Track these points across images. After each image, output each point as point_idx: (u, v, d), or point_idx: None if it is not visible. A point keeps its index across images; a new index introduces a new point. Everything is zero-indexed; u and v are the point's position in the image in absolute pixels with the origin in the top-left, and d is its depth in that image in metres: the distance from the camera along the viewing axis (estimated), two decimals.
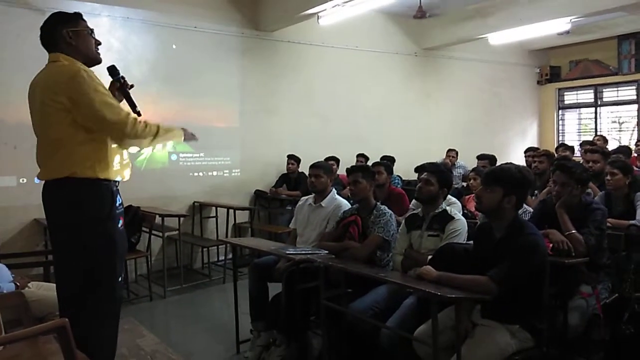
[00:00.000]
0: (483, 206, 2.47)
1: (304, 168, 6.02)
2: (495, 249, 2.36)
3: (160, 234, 5.06)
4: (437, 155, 7.26)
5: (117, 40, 5.47)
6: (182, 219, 5.30)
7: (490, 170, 2.74)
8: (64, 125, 2.17)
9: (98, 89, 2.18)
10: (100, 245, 2.22)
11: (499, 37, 7.54)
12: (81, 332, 1.94)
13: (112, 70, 2.43)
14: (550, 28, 7.03)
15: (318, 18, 6.19)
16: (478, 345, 2.26)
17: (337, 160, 6.27)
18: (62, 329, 1.66)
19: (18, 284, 3.11)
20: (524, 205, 2.96)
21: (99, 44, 2.38)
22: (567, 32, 7.51)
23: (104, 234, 2.22)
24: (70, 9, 2.47)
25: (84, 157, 2.19)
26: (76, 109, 2.15)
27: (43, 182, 2.27)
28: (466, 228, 2.89)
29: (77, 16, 2.34)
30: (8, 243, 4.78)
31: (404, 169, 6.45)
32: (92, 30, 2.35)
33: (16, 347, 2.16)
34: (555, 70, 9.83)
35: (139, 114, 2.40)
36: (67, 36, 2.25)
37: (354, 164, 5.77)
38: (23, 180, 4.99)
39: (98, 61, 2.37)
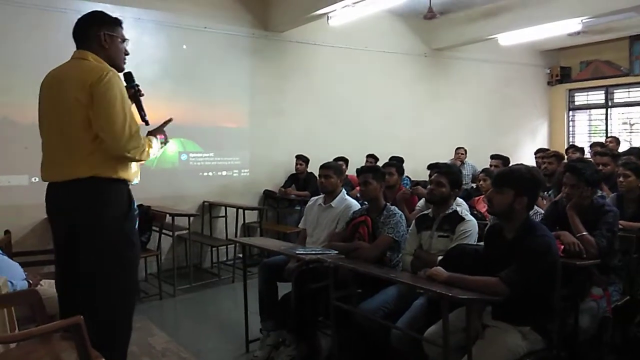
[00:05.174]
0: (494, 208, 2.46)
1: (313, 168, 6.04)
2: (507, 250, 2.35)
3: (170, 233, 5.09)
4: (446, 157, 7.23)
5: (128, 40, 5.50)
6: (191, 218, 5.33)
7: (500, 172, 2.74)
8: (89, 124, 2.16)
9: (123, 94, 2.21)
10: (121, 245, 2.24)
11: (509, 38, 7.50)
12: (97, 331, 1.96)
13: (129, 77, 2.44)
14: (561, 28, 6.98)
15: (328, 18, 6.20)
16: (489, 347, 2.26)
17: (346, 161, 6.28)
18: (77, 326, 1.68)
19: (31, 281, 3.15)
20: (535, 207, 2.94)
21: (127, 54, 2.41)
22: (578, 33, 7.45)
23: (123, 234, 2.24)
24: (84, 9, 2.49)
25: (107, 156, 2.19)
26: (93, 108, 2.14)
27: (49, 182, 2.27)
28: (477, 229, 2.88)
29: (117, 22, 2.38)
30: (20, 241, 4.82)
31: (413, 170, 6.44)
32: (125, 40, 2.39)
33: (30, 344, 2.18)
34: (566, 71, 9.76)
35: (147, 122, 2.44)
36: (103, 38, 2.28)
37: (362, 164, 5.80)
38: (35, 179, 5.03)
39: (121, 70, 2.38)
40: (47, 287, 3.10)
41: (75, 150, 2.18)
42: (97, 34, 2.27)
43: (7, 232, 4.33)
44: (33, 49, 4.89)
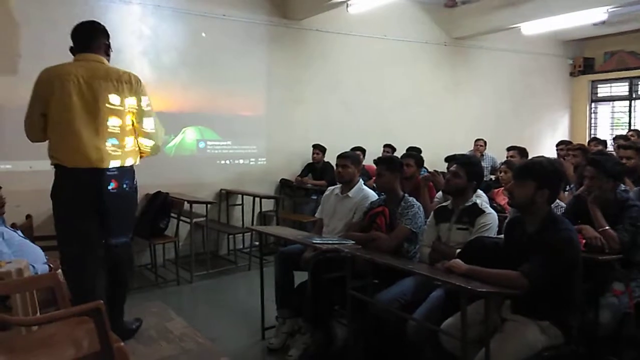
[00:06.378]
0: (515, 201, 2.42)
1: (330, 158, 6.02)
2: (528, 243, 2.32)
3: (188, 220, 5.13)
4: (465, 147, 7.16)
5: (148, 27, 5.52)
6: (209, 205, 5.36)
7: (522, 164, 2.68)
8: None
9: None
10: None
11: (531, 27, 7.35)
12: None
13: None
14: (585, 18, 6.83)
15: (347, 6, 6.15)
16: (507, 340, 2.23)
17: (363, 151, 6.23)
18: (98, 310, 1.70)
19: (52, 265, 3.20)
20: (557, 201, 2.89)
21: None
22: (603, 23, 7.28)
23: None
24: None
25: (137, 148, 2.68)
26: (139, 109, 2.57)
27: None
28: (497, 222, 2.84)
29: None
30: (42, 225, 4.89)
31: (431, 160, 6.37)
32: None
33: (51, 327, 2.22)
34: (589, 61, 9.56)
35: None
36: (108, 48, 2.64)
37: (380, 154, 5.77)
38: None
39: None
40: None
41: (127, 142, 2.57)
42: (105, 43, 2.61)
43: (28, 216, 4.39)
44: (58, 39, 4.89)
